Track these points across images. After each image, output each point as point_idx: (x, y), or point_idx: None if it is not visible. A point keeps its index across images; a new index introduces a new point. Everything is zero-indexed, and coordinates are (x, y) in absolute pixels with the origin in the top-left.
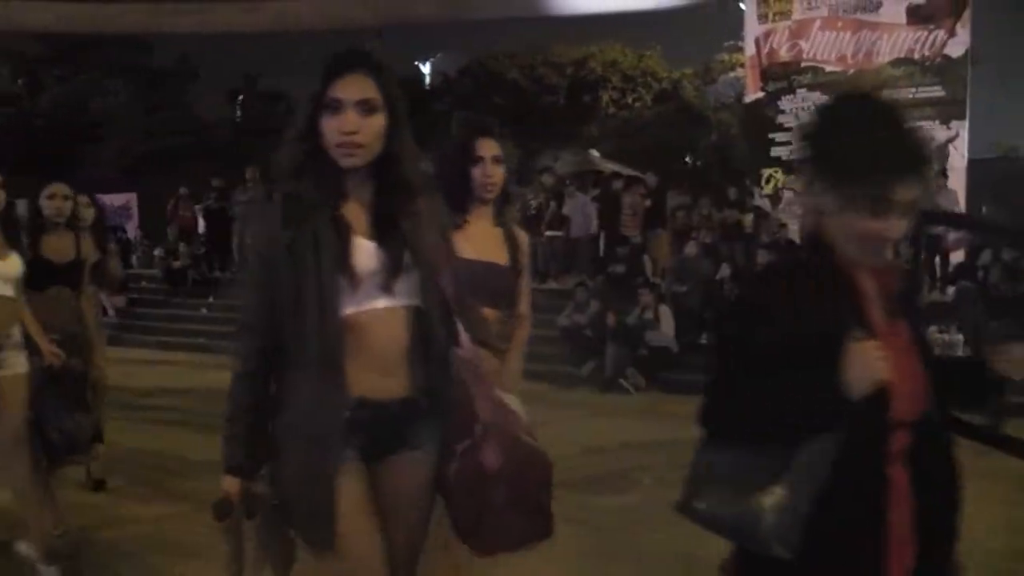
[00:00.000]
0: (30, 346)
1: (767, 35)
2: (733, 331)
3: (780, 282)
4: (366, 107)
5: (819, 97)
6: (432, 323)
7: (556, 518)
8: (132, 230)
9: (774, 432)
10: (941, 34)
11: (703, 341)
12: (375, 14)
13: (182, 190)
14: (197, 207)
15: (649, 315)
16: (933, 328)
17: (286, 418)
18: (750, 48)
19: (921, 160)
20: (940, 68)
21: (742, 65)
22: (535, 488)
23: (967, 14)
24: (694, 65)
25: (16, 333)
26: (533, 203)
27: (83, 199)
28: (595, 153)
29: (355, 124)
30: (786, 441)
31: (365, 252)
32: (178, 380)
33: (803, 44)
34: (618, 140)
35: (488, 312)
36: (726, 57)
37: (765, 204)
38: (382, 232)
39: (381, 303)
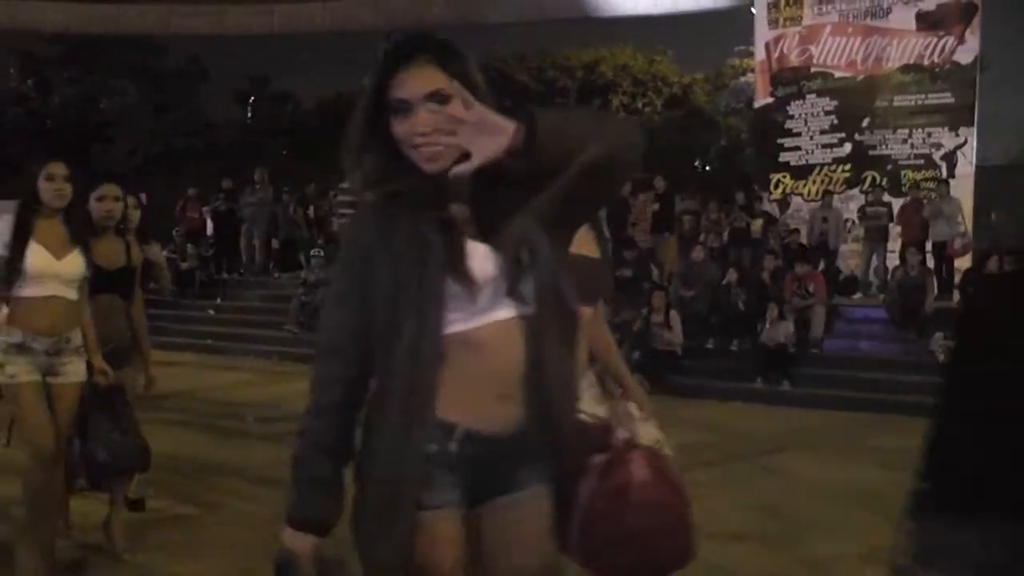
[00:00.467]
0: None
1: (777, 40)
2: (976, 360)
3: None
4: (438, 99)
5: (828, 103)
6: (553, 333)
7: None
8: None
9: None
10: (950, 40)
11: (709, 346)
12: (385, 17)
13: (190, 191)
14: (205, 209)
15: (658, 318)
16: (939, 335)
17: (372, 459)
18: (760, 53)
19: None
20: (949, 74)
21: (752, 70)
22: (682, 505)
23: (977, 20)
24: (705, 70)
25: (77, 338)
26: None
27: (131, 200)
28: None
29: (430, 122)
30: None
31: (480, 255)
32: (185, 382)
33: (813, 49)
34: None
35: (584, 311)
36: (737, 62)
37: (773, 209)
38: (492, 231)
39: (498, 314)
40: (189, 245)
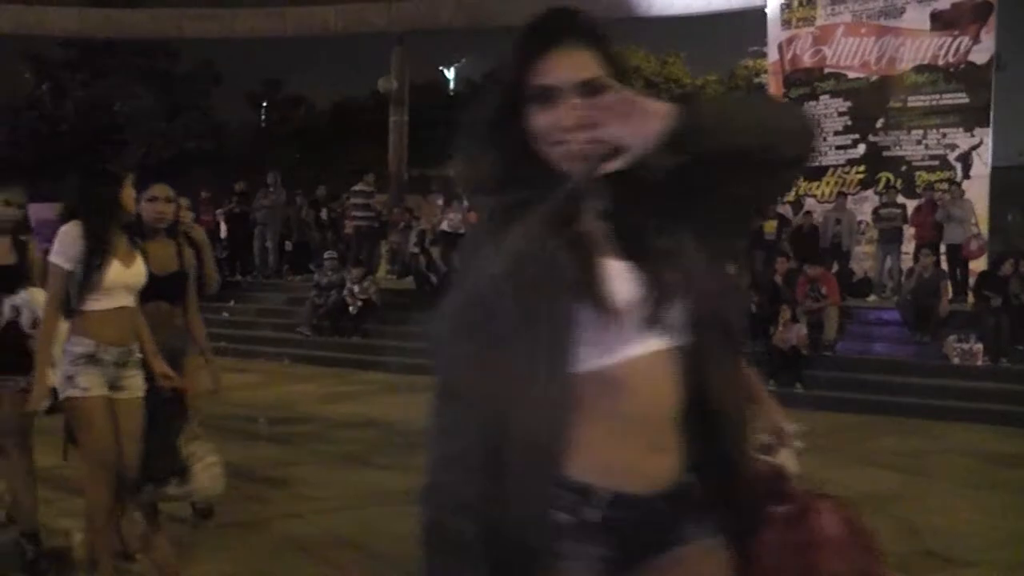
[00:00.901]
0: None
1: (790, 41)
2: None
3: None
4: (590, 89)
5: (842, 103)
6: (717, 366)
7: None
8: None
9: None
10: (965, 40)
11: None
12: (397, 21)
13: (203, 194)
14: (218, 211)
15: None
16: (953, 338)
17: (487, 520)
18: (773, 54)
19: None
20: (964, 74)
21: (766, 71)
22: (876, 563)
23: (992, 20)
24: (718, 71)
25: (137, 350)
26: None
27: (183, 201)
28: None
29: (577, 115)
30: None
31: (620, 275)
32: (197, 383)
33: (826, 50)
34: None
35: None
36: (750, 63)
37: (787, 211)
38: (635, 244)
39: (645, 347)
40: None
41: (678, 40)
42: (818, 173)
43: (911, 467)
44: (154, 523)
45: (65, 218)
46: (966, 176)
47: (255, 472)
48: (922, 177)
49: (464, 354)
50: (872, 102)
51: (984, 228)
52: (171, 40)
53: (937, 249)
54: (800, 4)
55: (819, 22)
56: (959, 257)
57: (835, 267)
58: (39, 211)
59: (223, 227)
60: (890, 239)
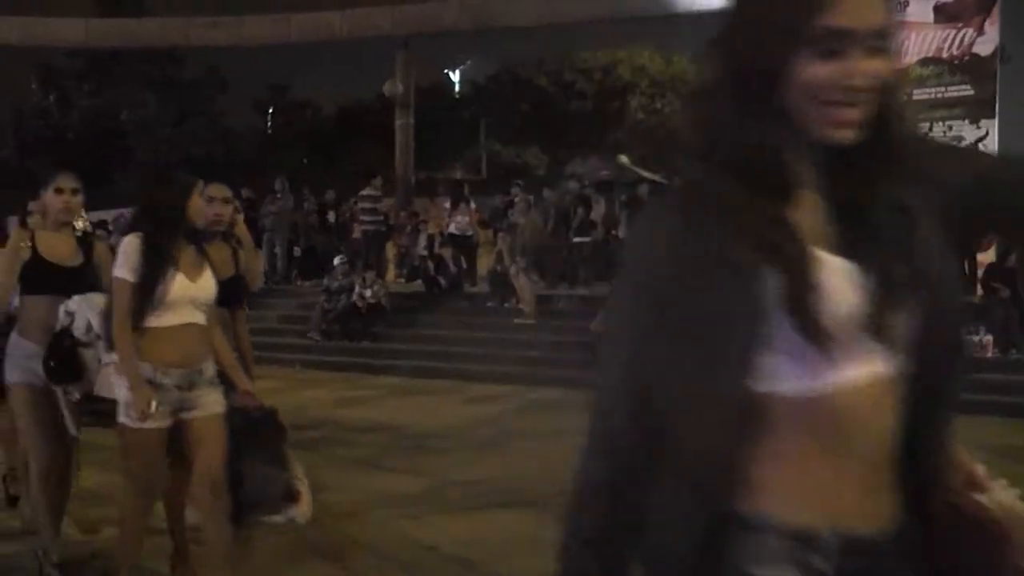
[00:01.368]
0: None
1: None
2: None
3: None
4: (879, 41)
5: None
6: (938, 393)
7: None
8: None
9: None
10: (969, 32)
11: None
12: (402, 24)
13: None
14: None
15: None
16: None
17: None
18: None
19: None
20: (969, 67)
21: None
22: None
23: (995, 12)
24: None
25: (211, 367)
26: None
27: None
28: (624, 159)
29: (873, 71)
30: None
31: (840, 278)
32: None
33: None
34: (647, 145)
35: None
36: None
37: None
38: (860, 242)
39: (866, 368)
40: None
41: (683, 39)
42: None
43: None
44: (184, 546)
45: (131, 227)
46: None
47: None
48: None
49: (624, 356)
50: None
51: None
52: (177, 48)
53: None
54: None
55: None
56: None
57: None
58: None
59: None
60: None
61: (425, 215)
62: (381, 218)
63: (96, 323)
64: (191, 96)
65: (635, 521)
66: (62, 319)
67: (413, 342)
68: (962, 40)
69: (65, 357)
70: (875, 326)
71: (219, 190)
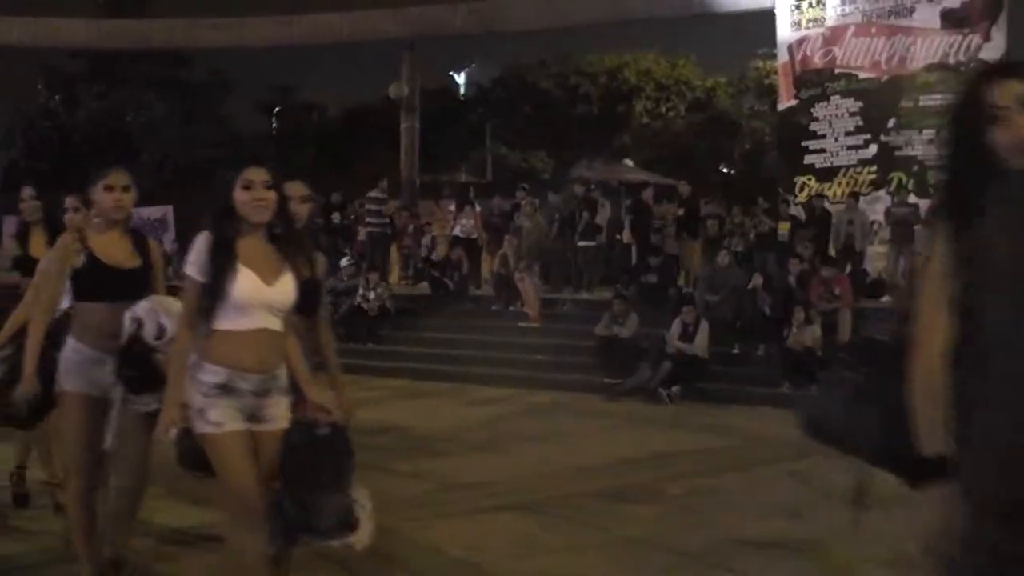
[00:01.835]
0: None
1: (800, 42)
2: None
3: None
4: None
5: (853, 104)
6: None
7: (583, 526)
8: (168, 243)
9: None
10: (976, 38)
11: (735, 351)
12: (406, 26)
13: None
14: None
15: (689, 329)
16: None
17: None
18: (783, 56)
19: None
20: None
21: (776, 72)
22: None
23: (1002, 17)
24: (728, 73)
25: (283, 376)
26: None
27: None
28: (629, 163)
29: None
30: None
31: None
32: None
33: (836, 51)
34: (652, 149)
35: None
36: (761, 64)
37: (799, 212)
38: None
39: None
40: None
41: (688, 42)
42: (830, 174)
43: None
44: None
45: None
46: None
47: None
48: (934, 176)
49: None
50: (883, 102)
51: None
52: (183, 49)
53: None
54: (810, 5)
55: (829, 23)
56: None
57: (848, 268)
58: None
59: None
60: (903, 239)
61: (430, 217)
62: (386, 220)
63: (171, 327)
64: (196, 98)
65: None
66: (128, 325)
67: (417, 344)
68: (969, 46)
69: (140, 365)
70: None
71: (296, 188)
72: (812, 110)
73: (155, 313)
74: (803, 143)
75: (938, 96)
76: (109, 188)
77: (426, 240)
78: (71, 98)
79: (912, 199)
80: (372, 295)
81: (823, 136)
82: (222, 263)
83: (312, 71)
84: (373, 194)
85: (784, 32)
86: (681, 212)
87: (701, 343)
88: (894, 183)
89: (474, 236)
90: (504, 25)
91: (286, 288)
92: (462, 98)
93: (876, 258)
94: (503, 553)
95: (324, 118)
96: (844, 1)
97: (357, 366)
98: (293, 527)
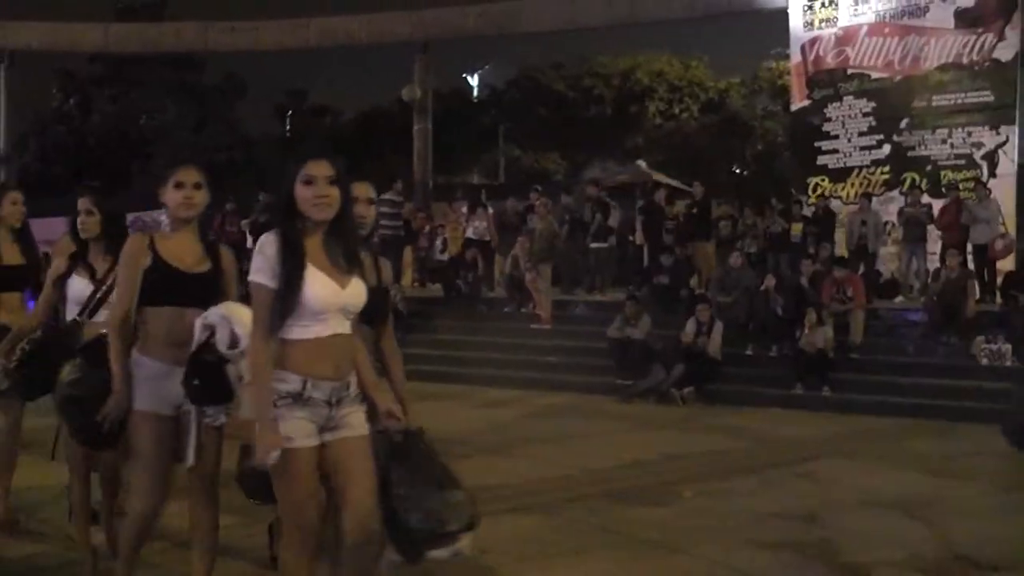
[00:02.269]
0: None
1: (813, 42)
2: None
3: None
4: None
5: (866, 104)
6: None
7: (594, 529)
8: None
9: None
10: (990, 37)
11: (748, 352)
12: (421, 29)
13: (228, 205)
14: (244, 222)
15: (703, 328)
16: (981, 339)
17: None
18: (796, 56)
19: None
20: (989, 72)
21: (789, 73)
22: None
23: (1016, 17)
24: (741, 74)
25: (355, 383)
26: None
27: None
28: (642, 164)
29: None
30: None
31: None
32: None
33: (849, 51)
34: (665, 151)
35: None
36: (774, 65)
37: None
38: None
39: None
40: None
41: (701, 43)
42: (843, 175)
43: (940, 470)
44: None
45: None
46: (992, 175)
47: None
48: (948, 176)
49: None
50: (896, 102)
51: (1012, 227)
52: (196, 53)
53: (964, 249)
54: (822, 5)
55: (842, 23)
56: (986, 257)
57: (861, 269)
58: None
59: (249, 238)
60: (915, 239)
61: (443, 219)
62: (400, 223)
63: (244, 336)
64: (210, 101)
65: None
66: (199, 333)
67: (430, 346)
68: (982, 46)
69: (210, 375)
70: None
71: (362, 188)
72: (825, 110)
73: (228, 321)
74: (816, 143)
75: (951, 96)
76: (179, 185)
77: (438, 242)
78: (85, 102)
79: (925, 199)
80: None
81: (836, 136)
82: (292, 266)
83: (325, 74)
84: (388, 196)
85: (797, 32)
86: (694, 211)
87: (715, 343)
88: (907, 183)
89: (487, 238)
90: (516, 27)
91: (358, 290)
92: (475, 100)
93: (889, 259)
94: (512, 555)
95: (337, 121)
96: (857, 1)
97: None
98: (420, 540)
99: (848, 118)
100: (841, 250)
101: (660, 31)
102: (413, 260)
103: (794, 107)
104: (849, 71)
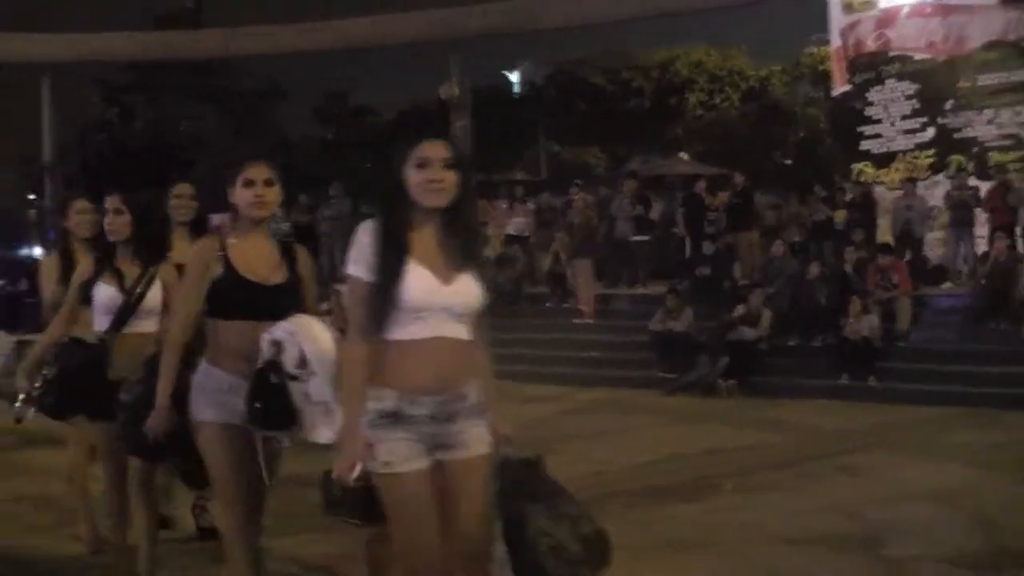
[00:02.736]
0: None
1: (852, 26)
2: None
3: None
4: None
5: (908, 87)
6: None
7: (629, 525)
8: None
9: None
10: None
11: (792, 343)
12: (456, 26)
13: None
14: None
15: (752, 316)
16: None
17: None
18: (836, 40)
19: None
20: None
21: (830, 58)
22: None
23: None
24: (782, 61)
25: (473, 394)
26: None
27: None
28: (684, 155)
29: None
30: None
31: None
32: None
33: (890, 33)
34: (706, 141)
35: None
36: (816, 51)
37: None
38: None
39: None
40: None
41: (740, 32)
42: (886, 160)
43: (987, 461)
44: None
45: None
46: None
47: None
48: (995, 158)
49: None
50: (940, 83)
51: None
52: (231, 58)
53: (1012, 232)
54: None
55: (882, 5)
56: None
57: (908, 255)
58: None
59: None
60: (962, 223)
61: (484, 216)
62: None
63: (314, 355)
64: (250, 106)
65: None
66: (266, 351)
67: None
68: None
69: (274, 397)
70: None
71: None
72: (867, 95)
73: (296, 337)
74: (858, 129)
75: (997, 75)
76: (249, 183)
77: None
78: (125, 109)
79: (972, 182)
80: None
81: (878, 121)
82: (390, 257)
83: (363, 76)
84: None
85: (836, 16)
86: (736, 201)
87: (764, 324)
88: (953, 166)
89: (527, 234)
90: (548, 21)
91: (466, 288)
92: (516, 96)
93: (936, 244)
94: None
95: (378, 122)
96: None
97: None
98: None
99: (891, 102)
100: (886, 236)
101: (697, 20)
102: None
103: (835, 92)
104: (890, 54)
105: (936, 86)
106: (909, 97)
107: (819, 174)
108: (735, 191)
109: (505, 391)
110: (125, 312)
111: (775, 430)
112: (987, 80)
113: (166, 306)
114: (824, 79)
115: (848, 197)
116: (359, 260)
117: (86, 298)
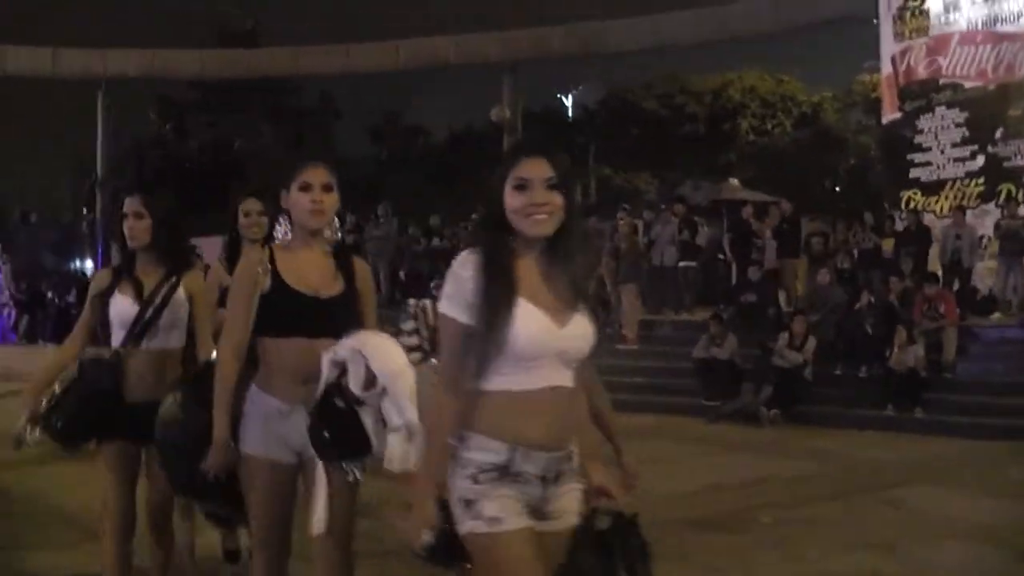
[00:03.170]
0: None
1: (904, 52)
2: None
3: None
4: None
5: (958, 114)
6: None
7: (668, 555)
8: None
9: None
10: None
11: (838, 372)
12: (510, 49)
13: None
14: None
15: (796, 342)
16: None
17: None
18: (887, 67)
19: None
20: None
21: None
22: None
23: None
24: (834, 87)
25: (576, 453)
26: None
27: None
28: (735, 181)
29: None
30: None
31: None
32: None
33: (941, 60)
34: (758, 167)
35: None
36: (867, 78)
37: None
38: None
39: None
40: None
41: (792, 58)
42: (936, 188)
43: None
44: None
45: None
46: None
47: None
48: None
49: None
50: (990, 111)
51: None
52: (291, 77)
53: None
54: (913, 15)
55: (933, 32)
56: None
57: (956, 285)
58: None
59: None
60: (1013, 253)
61: None
62: None
63: (384, 373)
64: (307, 125)
65: None
66: (327, 372)
67: None
68: None
69: (342, 424)
70: None
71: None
72: (917, 122)
73: (361, 356)
74: (908, 156)
75: None
76: (305, 187)
77: None
78: (181, 126)
79: (1022, 211)
80: None
81: (928, 148)
82: (496, 296)
83: (417, 96)
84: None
85: (888, 43)
86: (784, 227)
87: (808, 351)
88: (1003, 195)
89: None
90: (604, 47)
91: (581, 330)
92: (570, 120)
93: (986, 274)
94: None
95: (431, 141)
96: (948, 9)
97: None
98: None
99: (941, 129)
100: (934, 266)
101: (750, 47)
102: None
103: (885, 119)
104: (941, 81)
105: (986, 114)
106: (959, 125)
107: (868, 201)
108: (783, 217)
109: None
110: (140, 325)
111: (818, 461)
112: None
113: (193, 320)
114: (876, 106)
115: (899, 226)
116: (455, 297)
117: (103, 311)
